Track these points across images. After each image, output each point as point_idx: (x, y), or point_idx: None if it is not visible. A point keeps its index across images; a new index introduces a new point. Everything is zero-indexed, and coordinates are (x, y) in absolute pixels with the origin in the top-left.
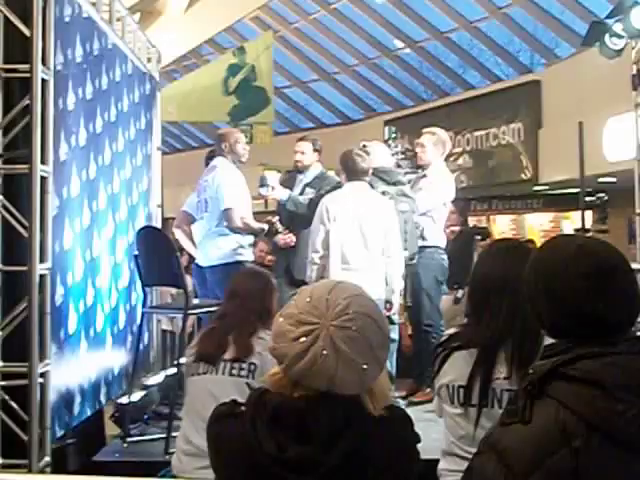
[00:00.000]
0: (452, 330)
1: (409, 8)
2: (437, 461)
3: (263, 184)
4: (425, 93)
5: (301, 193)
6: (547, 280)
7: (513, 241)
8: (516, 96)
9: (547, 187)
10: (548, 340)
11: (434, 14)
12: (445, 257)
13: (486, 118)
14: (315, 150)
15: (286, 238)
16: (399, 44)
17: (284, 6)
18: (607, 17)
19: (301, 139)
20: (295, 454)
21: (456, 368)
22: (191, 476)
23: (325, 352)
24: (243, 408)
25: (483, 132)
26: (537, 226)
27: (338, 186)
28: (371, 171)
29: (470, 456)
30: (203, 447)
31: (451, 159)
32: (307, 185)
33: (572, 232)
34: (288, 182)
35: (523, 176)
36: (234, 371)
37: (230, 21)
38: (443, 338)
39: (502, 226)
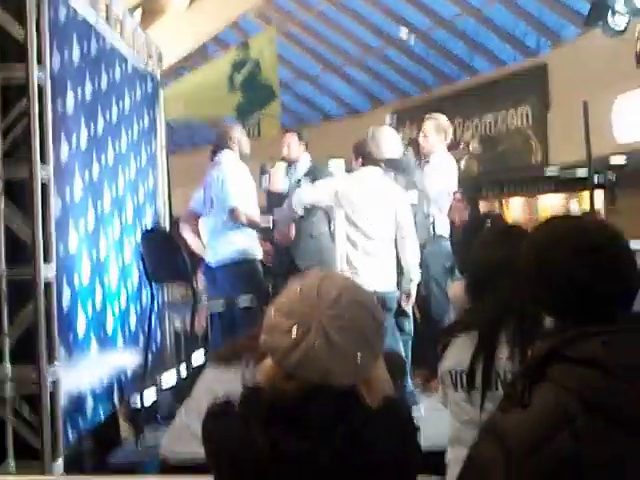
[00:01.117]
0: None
1: None
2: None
3: (263, 172)
4: (432, 81)
5: (297, 183)
6: (541, 258)
7: (508, 225)
8: (523, 80)
9: (558, 169)
10: (549, 320)
11: (437, 1)
12: (449, 245)
13: (494, 103)
14: (301, 141)
15: (282, 232)
16: (404, 33)
17: (287, 0)
18: None
19: (286, 131)
20: (290, 449)
21: (458, 353)
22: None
23: (318, 343)
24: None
25: (492, 117)
26: (550, 209)
27: (330, 176)
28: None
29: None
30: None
31: (461, 146)
32: (303, 176)
33: (579, 213)
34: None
35: (533, 160)
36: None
37: (233, 17)
38: (446, 325)
39: (515, 211)
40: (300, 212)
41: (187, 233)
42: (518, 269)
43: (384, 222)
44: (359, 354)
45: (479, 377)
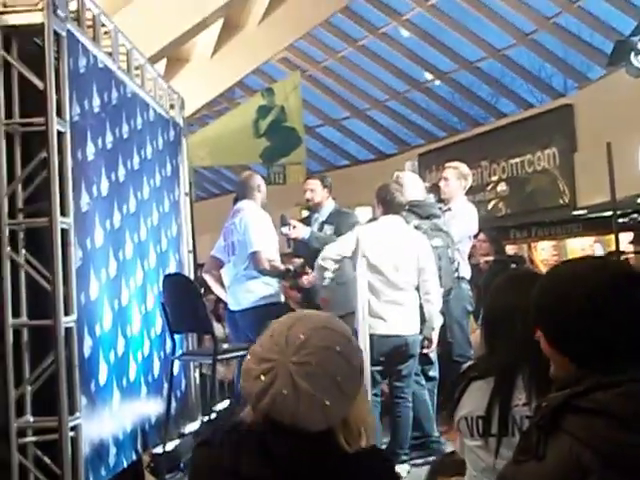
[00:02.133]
0: (470, 362)
1: (436, 40)
2: None
3: (284, 223)
4: (458, 124)
5: (320, 230)
6: (552, 305)
7: (523, 270)
8: (549, 121)
9: (586, 211)
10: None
11: (462, 44)
12: (469, 287)
13: (521, 145)
14: (325, 187)
15: (310, 278)
16: (429, 76)
17: (311, 45)
18: (631, 35)
19: (309, 177)
20: (256, 474)
21: (474, 399)
22: None
23: (285, 391)
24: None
25: (518, 159)
26: (579, 251)
27: (356, 221)
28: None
29: None
30: None
31: (488, 188)
32: (324, 222)
33: (601, 254)
34: (304, 222)
35: (561, 201)
36: None
37: (257, 63)
38: (461, 370)
39: (543, 253)
40: (331, 267)
41: (210, 281)
42: (532, 313)
43: (408, 269)
44: (328, 400)
45: (495, 423)
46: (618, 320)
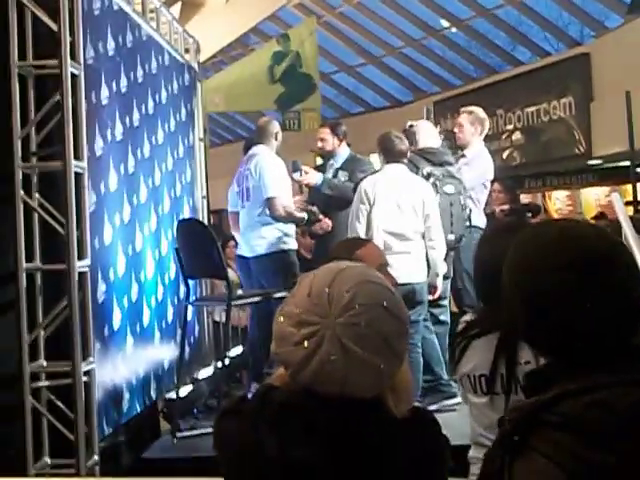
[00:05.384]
0: (468, 317)
1: None
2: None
3: (296, 169)
4: (474, 72)
5: (334, 177)
6: (520, 277)
7: (513, 220)
8: (566, 70)
9: (601, 161)
10: None
11: None
12: None
13: (537, 94)
14: (335, 134)
15: (322, 224)
16: (445, 23)
17: None
18: None
19: (321, 125)
20: (299, 456)
21: (476, 356)
22: None
23: (333, 357)
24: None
25: (534, 108)
26: (593, 201)
27: (371, 167)
28: (409, 153)
29: None
30: None
31: (503, 137)
32: (339, 169)
33: (622, 205)
34: (320, 169)
35: (577, 151)
36: None
37: (272, 9)
38: (461, 326)
39: (558, 202)
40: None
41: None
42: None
43: (413, 216)
44: (381, 363)
45: (499, 382)
46: (606, 301)
